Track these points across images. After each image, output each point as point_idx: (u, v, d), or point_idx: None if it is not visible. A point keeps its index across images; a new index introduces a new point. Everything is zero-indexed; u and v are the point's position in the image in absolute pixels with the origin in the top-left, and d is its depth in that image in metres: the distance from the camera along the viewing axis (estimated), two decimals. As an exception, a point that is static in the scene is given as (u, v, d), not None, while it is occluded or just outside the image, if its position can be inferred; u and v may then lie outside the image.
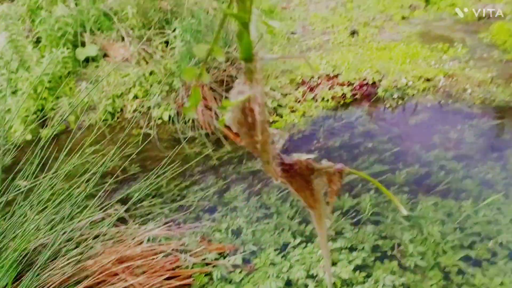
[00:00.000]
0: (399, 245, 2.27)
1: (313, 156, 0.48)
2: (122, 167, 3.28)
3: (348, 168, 0.49)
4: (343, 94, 3.86)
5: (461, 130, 3.20)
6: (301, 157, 0.48)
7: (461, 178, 2.72)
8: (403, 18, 5.81)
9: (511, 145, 2.97)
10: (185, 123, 3.72)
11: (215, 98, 3.61)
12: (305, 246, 2.34)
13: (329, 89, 3.88)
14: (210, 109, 3.61)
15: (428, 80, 3.87)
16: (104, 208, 2.52)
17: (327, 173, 0.49)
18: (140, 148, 3.52)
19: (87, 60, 4.49)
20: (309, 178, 0.49)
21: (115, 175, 2.96)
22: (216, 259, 2.33)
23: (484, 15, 5.53)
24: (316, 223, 0.53)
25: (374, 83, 3.90)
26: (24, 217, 2.17)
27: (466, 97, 3.58)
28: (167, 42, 4.43)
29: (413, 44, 4.74)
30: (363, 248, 2.28)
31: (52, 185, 2.26)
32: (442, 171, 2.81)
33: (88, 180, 2.49)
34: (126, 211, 2.63)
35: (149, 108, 3.92)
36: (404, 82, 3.80)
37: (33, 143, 2.60)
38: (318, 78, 4.00)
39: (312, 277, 2.16)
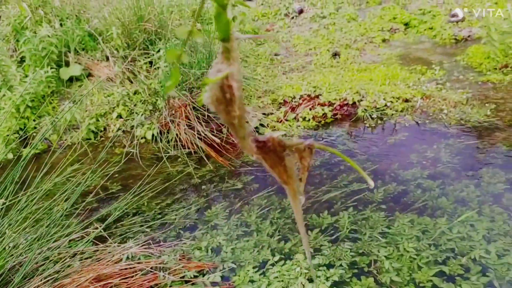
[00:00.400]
0: (375, 261, 2.31)
1: (283, 133, 0.51)
2: (104, 185, 3.29)
3: (317, 144, 0.51)
4: (324, 114, 3.94)
5: (437, 149, 3.29)
6: (273, 134, 0.50)
7: (437, 196, 2.78)
8: (384, 40, 5.97)
9: (485, 163, 3.05)
10: (168, 142, 3.75)
11: (197, 118, 3.65)
12: (284, 264, 2.36)
13: (310, 109, 3.96)
14: (193, 128, 3.65)
15: (406, 100, 3.98)
16: (83, 227, 2.53)
17: (297, 150, 0.51)
18: (122, 167, 3.54)
19: (71, 79, 4.52)
20: (282, 155, 0.51)
21: (95, 193, 2.97)
22: (195, 277, 2.33)
23: (461, 38, 5.71)
24: (291, 199, 0.54)
25: (354, 103, 3.99)
26: (2, 236, 2.17)
27: (443, 117, 3.68)
28: (151, 62, 4.48)
29: (392, 66, 4.87)
30: (340, 265, 2.31)
31: (32, 203, 2.27)
32: (419, 189, 2.88)
33: (67, 199, 2.50)
34: (105, 229, 2.63)
35: (132, 127, 3.95)
36: (383, 102, 3.89)
37: (14, 162, 2.60)
38: (300, 98, 4.08)
39: (290, 294, 2.18)
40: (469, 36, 5.71)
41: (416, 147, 3.35)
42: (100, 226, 2.40)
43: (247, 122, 0.49)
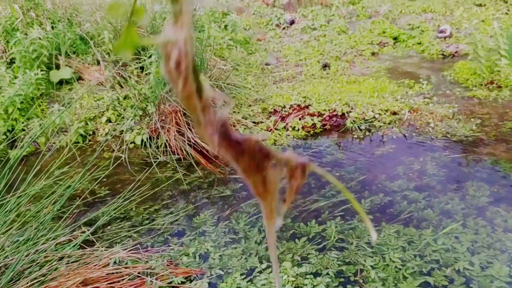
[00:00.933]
0: (361, 270, 2.34)
1: (265, 138, 0.39)
2: (92, 190, 3.27)
3: (314, 165, 0.41)
4: (313, 124, 3.98)
5: (423, 162, 3.34)
6: (254, 136, 0.41)
7: (423, 207, 2.82)
8: (373, 54, 6.06)
9: (470, 177, 3.11)
10: (158, 147, 3.75)
11: (188, 124, 3.67)
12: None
13: (300, 119, 4.00)
14: (183, 135, 3.66)
15: (394, 113, 4.04)
16: (71, 230, 2.51)
17: (287, 166, 0.41)
18: (110, 171, 3.53)
19: (61, 82, 4.50)
20: (263, 164, 0.41)
21: (83, 197, 2.96)
22: (182, 282, 2.33)
23: (448, 54, 5.83)
24: (265, 218, 0.44)
25: (343, 114, 4.05)
26: (-13, 237, 2.15)
27: (429, 131, 3.75)
28: (142, 68, 4.49)
29: (381, 79, 4.95)
30: (327, 274, 2.33)
31: (19, 206, 2.25)
32: (405, 200, 2.92)
33: (55, 202, 2.49)
34: (93, 234, 2.62)
35: (122, 131, 3.94)
36: (371, 114, 3.95)
37: (1, 164, 2.58)
38: (290, 108, 4.12)
39: (277, 301, 2.19)
40: (456, 52, 5.83)
41: (403, 159, 3.40)
42: (88, 230, 2.39)
43: (211, 105, 0.40)
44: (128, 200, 2.99)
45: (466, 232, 2.54)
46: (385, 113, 4.02)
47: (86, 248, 2.42)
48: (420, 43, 6.20)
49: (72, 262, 2.24)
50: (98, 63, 4.57)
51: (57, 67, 4.52)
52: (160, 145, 3.74)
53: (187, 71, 0.38)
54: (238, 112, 4.05)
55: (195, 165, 3.51)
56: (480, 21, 6.57)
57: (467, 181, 3.08)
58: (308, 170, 0.41)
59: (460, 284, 2.19)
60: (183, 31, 0.37)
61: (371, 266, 2.34)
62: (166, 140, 3.69)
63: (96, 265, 2.22)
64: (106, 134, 4.00)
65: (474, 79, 4.69)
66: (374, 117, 3.95)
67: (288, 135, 3.89)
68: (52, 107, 4.23)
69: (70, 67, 4.54)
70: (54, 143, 3.98)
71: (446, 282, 2.21)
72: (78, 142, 3.94)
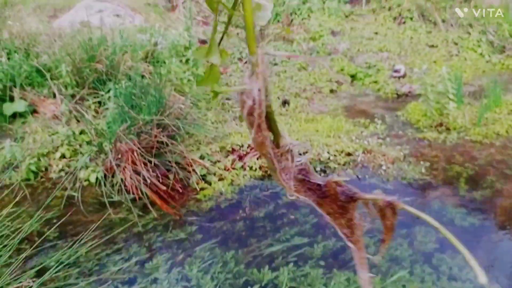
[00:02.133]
0: (311, 322, 2.36)
1: (347, 178, 0.40)
2: (41, 232, 3.17)
3: (403, 204, 0.37)
4: (270, 164, 4.03)
5: (375, 205, 3.44)
6: (334, 178, 0.38)
7: (372, 253, 2.89)
8: (331, 91, 6.24)
9: (418, 222, 3.22)
10: (112, 186, 3.69)
11: (144, 164, 3.63)
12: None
13: (257, 158, 4.05)
14: (139, 174, 3.63)
15: (348, 154, 4.16)
16: (17, 278, 2.43)
17: (376, 206, 0.38)
18: (62, 212, 3.44)
19: (14, 115, 4.38)
20: (347, 206, 0.39)
21: (31, 241, 2.87)
22: (130, 336, 2.28)
23: (402, 93, 6.08)
24: (356, 259, 0.41)
25: (299, 155, 4.11)
26: None
27: (382, 173, 3.88)
28: (100, 103, 4.44)
29: (338, 118, 5.09)
30: (278, 325, 2.34)
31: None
32: (357, 245, 2.98)
33: (5, 246, 2.42)
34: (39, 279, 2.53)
35: (75, 168, 3.86)
36: (326, 156, 4.05)
37: None
38: (248, 147, 4.17)
39: None
40: (409, 92, 6.09)
41: (356, 202, 3.49)
42: (34, 281, 2.31)
43: (289, 152, 0.42)
44: (79, 244, 2.92)
45: (412, 280, 2.63)
46: (340, 154, 4.13)
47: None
48: (376, 82, 6.44)
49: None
50: (54, 96, 4.49)
51: (11, 99, 4.40)
52: (115, 184, 3.68)
53: (260, 119, 0.41)
54: (198, 149, 4.06)
55: (150, 206, 3.47)
56: (432, 62, 6.92)
57: (416, 226, 3.19)
58: (398, 209, 0.39)
59: (406, 335, 2.25)
60: (258, 81, 0.40)
61: (320, 316, 2.37)
62: (122, 179, 3.64)
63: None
64: (60, 170, 3.90)
65: (425, 121, 4.91)
66: (329, 158, 4.05)
67: (246, 175, 3.93)
68: (4, 142, 4.10)
69: (24, 99, 4.44)
70: (4, 179, 3.84)
71: (392, 334, 2.26)
72: (29, 179, 3.82)
